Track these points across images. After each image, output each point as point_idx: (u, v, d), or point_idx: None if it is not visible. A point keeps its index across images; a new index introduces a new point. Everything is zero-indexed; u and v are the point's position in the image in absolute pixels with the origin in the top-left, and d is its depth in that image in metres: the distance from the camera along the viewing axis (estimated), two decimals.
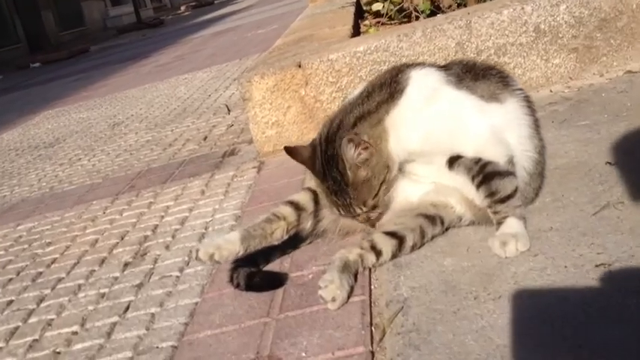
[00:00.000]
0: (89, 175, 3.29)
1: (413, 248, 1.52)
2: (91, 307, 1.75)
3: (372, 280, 1.49)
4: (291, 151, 1.58)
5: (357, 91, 1.60)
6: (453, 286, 1.37)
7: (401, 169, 1.54)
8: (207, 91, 4.89)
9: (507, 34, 2.47)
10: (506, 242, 1.41)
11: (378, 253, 1.49)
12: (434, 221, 1.53)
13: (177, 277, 1.79)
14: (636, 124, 1.93)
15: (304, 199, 1.65)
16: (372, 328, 1.31)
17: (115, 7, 23.52)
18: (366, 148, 1.47)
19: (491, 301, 1.27)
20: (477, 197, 1.48)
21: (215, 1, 26.13)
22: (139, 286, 1.80)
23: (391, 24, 3.48)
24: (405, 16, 3.32)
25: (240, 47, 7.53)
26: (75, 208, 2.75)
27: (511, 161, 1.47)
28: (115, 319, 1.65)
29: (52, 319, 1.75)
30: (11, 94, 9.47)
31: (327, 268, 1.45)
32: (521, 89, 1.60)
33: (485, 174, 1.45)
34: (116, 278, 1.90)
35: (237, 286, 1.58)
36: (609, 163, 1.71)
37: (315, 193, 1.65)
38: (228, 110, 3.91)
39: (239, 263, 1.61)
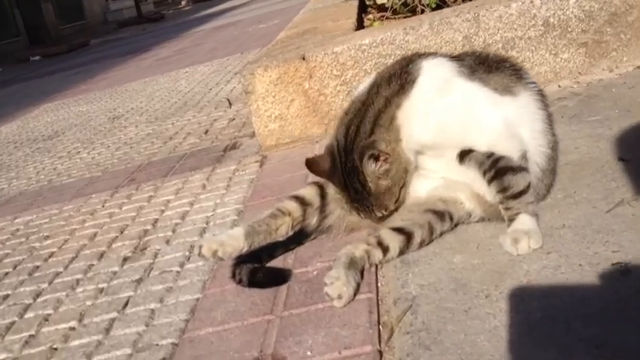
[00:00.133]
0: (88, 169, 3.24)
1: (421, 245, 1.47)
2: (89, 303, 1.71)
3: (378, 277, 1.45)
4: (311, 164, 1.54)
5: (366, 84, 1.56)
6: (463, 284, 1.32)
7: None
8: (208, 85, 4.84)
9: (516, 28, 2.42)
10: (518, 239, 1.36)
11: (385, 250, 1.44)
12: (443, 217, 1.49)
13: (178, 272, 1.74)
14: None
15: (310, 193, 1.60)
16: (380, 327, 1.26)
17: (116, 0, 23.40)
18: (386, 160, 1.44)
19: (503, 300, 1.23)
20: (488, 193, 1.44)
21: None
22: (139, 281, 1.76)
23: (396, 18, 3.42)
24: (410, 10, 3.27)
25: (241, 42, 7.48)
26: (73, 202, 2.71)
27: (524, 156, 1.43)
28: (114, 314, 1.61)
29: (49, 315, 1.70)
30: (10, 86, 9.42)
31: (333, 265, 1.41)
32: (534, 82, 1.56)
33: (497, 169, 1.40)
34: (115, 273, 1.85)
35: (240, 282, 1.53)
36: (622, 160, 1.67)
37: (321, 188, 1.60)
38: (230, 104, 3.87)
39: (242, 259, 1.57)
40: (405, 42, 2.46)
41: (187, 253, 1.84)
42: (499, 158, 1.41)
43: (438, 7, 3.07)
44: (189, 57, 7.35)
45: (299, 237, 1.65)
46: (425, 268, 1.42)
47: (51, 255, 2.14)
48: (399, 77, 1.48)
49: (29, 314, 1.74)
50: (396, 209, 1.52)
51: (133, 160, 3.17)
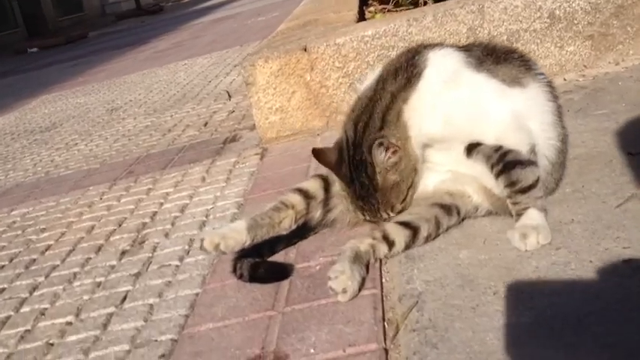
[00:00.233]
0: (86, 160, 3.20)
1: (427, 239, 1.44)
2: (86, 297, 1.67)
3: (382, 272, 1.41)
4: (318, 153, 1.51)
5: (372, 78, 1.52)
6: (470, 280, 1.29)
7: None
8: (207, 77, 4.80)
9: (521, 20, 2.38)
10: (526, 234, 1.33)
11: (390, 244, 1.41)
12: (450, 211, 1.45)
13: (177, 266, 1.71)
14: None
15: (314, 186, 1.57)
16: (385, 324, 1.23)
17: None
18: (395, 152, 1.41)
19: (512, 297, 1.19)
20: (496, 187, 1.40)
21: None
22: (137, 275, 1.72)
23: (397, 11, 3.38)
24: (412, 2, 3.23)
25: (240, 34, 7.43)
26: (71, 194, 2.67)
27: (533, 150, 1.39)
28: (112, 309, 1.57)
29: (46, 309, 1.67)
30: (8, 78, 9.37)
31: (337, 259, 1.38)
32: (543, 74, 1.52)
33: (505, 162, 1.37)
34: (113, 267, 1.82)
35: (241, 276, 1.50)
36: (630, 154, 1.64)
37: (325, 181, 1.57)
38: (229, 96, 3.83)
39: (243, 253, 1.53)
40: (408, 34, 2.42)
41: (187, 247, 1.81)
42: (507, 152, 1.38)
43: None
44: (188, 49, 7.30)
45: (302, 231, 1.61)
46: (430, 263, 1.39)
47: (48, 248, 2.10)
48: (406, 70, 1.45)
49: (25, 308, 1.70)
50: (402, 210, 1.48)
51: (131, 152, 3.13)
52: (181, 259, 1.74)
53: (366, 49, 2.44)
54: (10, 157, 3.81)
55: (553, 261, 1.27)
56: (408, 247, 1.43)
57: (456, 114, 1.39)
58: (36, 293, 1.78)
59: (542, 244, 1.32)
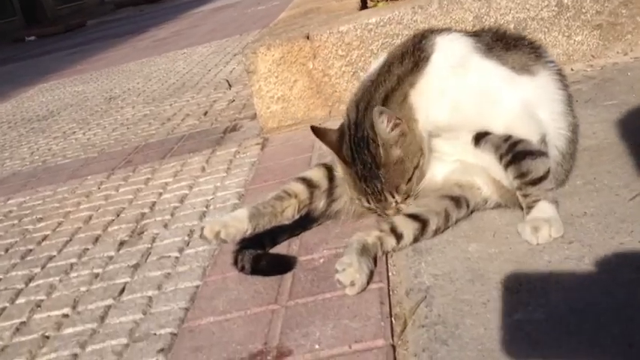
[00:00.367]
0: (84, 149, 3.16)
1: (436, 232, 1.39)
2: (83, 289, 1.63)
3: (389, 266, 1.37)
4: (317, 130, 1.46)
5: (377, 64, 1.47)
6: (480, 274, 1.25)
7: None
8: (207, 66, 4.74)
9: (528, 8, 2.33)
10: (538, 228, 1.29)
11: (398, 237, 1.37)
12: (459, 203, 1.41)
13: (177, 257, 1.67)
14: None
15: (317, 175, 1.52)
16: (392, 319, 1.19)
17: None
18: (397, 125, 1.35)
19: (525, 292, 1.15)
20: (505, 178, 1.36)
21: None
22: (136, 266, 1.68)
23: None
24: None
25: (240, 23, 7.37)
26: (68, 183, 2.63)
27: (544, 140, 1.35)
28: (110, 301, 1.53)
29: (42, 301, 1.63)
30: (6, 66, 9.30)
31: (344, 251, 1.33)
32: (553, 61, 1.47)
33: (515, 153, 1.32)
34: (111, 258, 1.77)
35: (242, 269, 1.46)
36: None
37: (329, 170, 1.52)
38: (229, 85, 3.78)
39: (244, 244, 1.49)
40: (413, 21, 2.37)
41: (187, 238, 1.76)
42: (517, 142, 1.33)
43: None
44: (187, 38, 7.24)
45: (305, 221, 1.57)
46: (438, 257, 1.35)
47: (44, 238, 2.06)
48: (412, 54, 1.40)
49: (21, 300, 1.66)
50: (408, 193, 1.43)
51: (129, 141, 3.08)
52: (181, 250, 1.70)
53: (369, 37, 2.39)
54: (7, 145, 3.76)
55: (566, 255, 1.23)
56: (416, 240, 1.38)
57: (463, 101, 1.35)
58: (32, 284, 1.73)
59: (554, 237, 1.28)
